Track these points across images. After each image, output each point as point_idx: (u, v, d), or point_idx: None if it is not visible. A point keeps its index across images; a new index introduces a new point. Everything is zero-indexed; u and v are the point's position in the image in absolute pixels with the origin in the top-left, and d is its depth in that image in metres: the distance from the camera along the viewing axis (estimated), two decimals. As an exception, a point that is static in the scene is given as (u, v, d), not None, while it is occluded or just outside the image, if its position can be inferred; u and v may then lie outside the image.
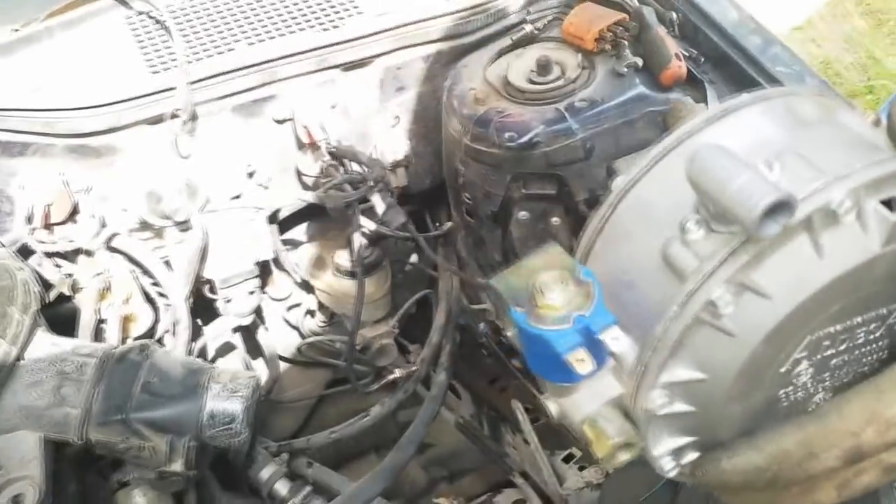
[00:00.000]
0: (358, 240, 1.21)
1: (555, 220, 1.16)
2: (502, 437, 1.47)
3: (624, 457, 0.55)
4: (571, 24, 1.20)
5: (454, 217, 1.33)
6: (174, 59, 1.17)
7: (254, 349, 1.36)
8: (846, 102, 0.54)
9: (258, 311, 1.34)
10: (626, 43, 1.16)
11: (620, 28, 1.17)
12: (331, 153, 1.19)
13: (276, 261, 1.33)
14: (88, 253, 1.11)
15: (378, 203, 1.19)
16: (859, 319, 0.54)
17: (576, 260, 0.55)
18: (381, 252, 1.31)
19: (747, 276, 0.50)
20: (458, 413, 1.51)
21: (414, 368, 1.32)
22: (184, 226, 1.13)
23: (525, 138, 1.10)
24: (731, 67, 1.16)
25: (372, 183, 1.16)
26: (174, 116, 1.11)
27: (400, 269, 1.44)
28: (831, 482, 0.54)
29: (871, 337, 0.56)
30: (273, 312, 1.41)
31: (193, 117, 1.13)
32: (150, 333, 1.11)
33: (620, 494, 1.00)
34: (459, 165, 1.20)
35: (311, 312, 1.42)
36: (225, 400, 0.96)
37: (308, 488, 1.14)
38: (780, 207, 0.46)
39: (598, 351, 0.51)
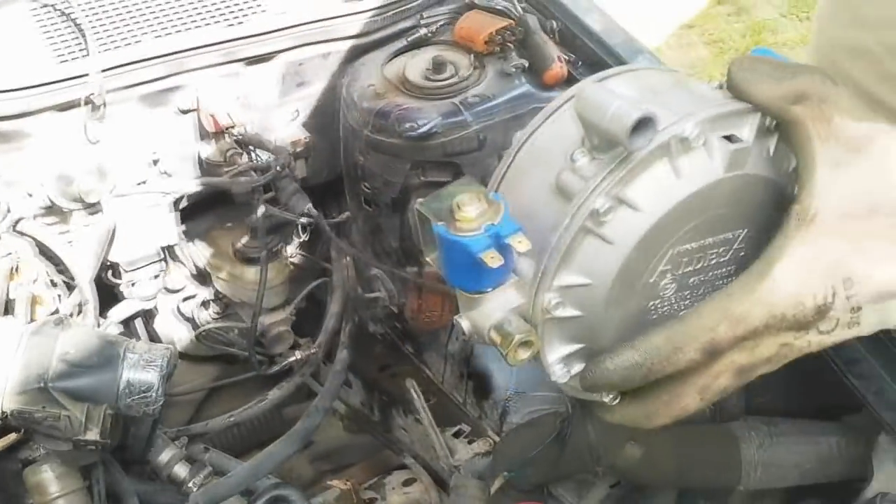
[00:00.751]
0: (262, 224, 1.26)
1: (450, 205, 1.26)
2: (393, 420, 1.54)
3: (525, 354, 0.63)
4: (463, 27, 1.31)
5: (350, 207, 1.41)
6: (82, 49, 1.19)
7: (152, 338, 1.38)
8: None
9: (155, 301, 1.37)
10: (512, 46, 1.29)
11: (507, 32, 1.29)
12: (237, 141, 1.24)
13: (173, 251, 1.36)
14: (-6, 236, 1.11)
15: (282, 189, 1.25)
16: (710, 240, 0.65)
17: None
18: (281, 239, 1.37)
19: (622, 190, 0.61)
20: (349, 401, 1.57)
21: (312, 351, 1.38)
22: (93, 209, 1.15)
23: (424, 129, 1.19)
24: (604, 70, 1.29)
25: (279, 168, 1.22)
26: (87, 103, 1.13)
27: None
28: (694, 387, 0.63)
29: (721, 260, 0.67)
30: (166, 303, 1.43)
31: (104, 105, 1.15)
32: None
33: (510, 456, 1.08)
34: (359, 156, 1.28)
35: (205, 304, 1.45)
36: (142, 370, 0.99)
37: (209, 468, 1.18)
38: (646, 123, 0.57)
39: (506, 257, 0.60)
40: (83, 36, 1.21)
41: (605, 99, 0.58)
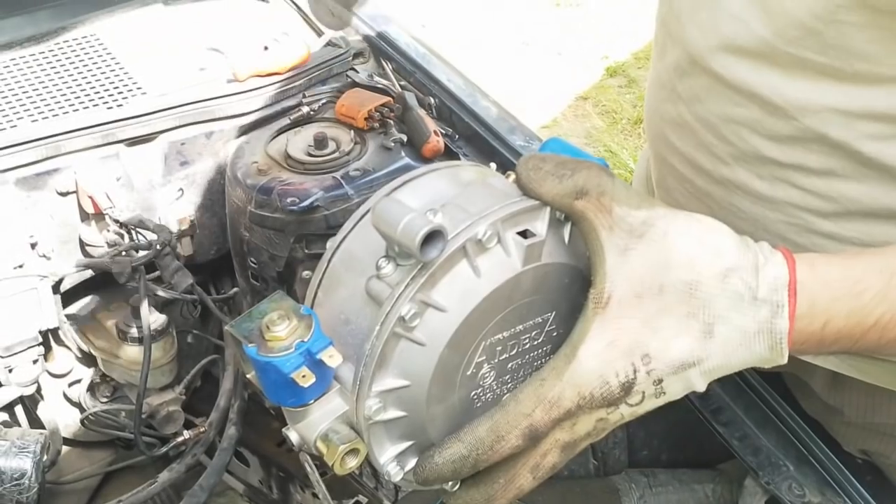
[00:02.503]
0: (145, 304, 1.25)
1: (335, 276, 1.28)
2: (291, 496, 1.52)
3: (352, 462, 0.65)
4: (344, 105, 1.35)
5: (239, 283, 1.41)
6: (-46, 133, 1.18)
7: (34, 425, 1.34)
8: (496, 170, 0.73)
9: (38, 388, 1.33)
10: (391, 122, 1.34)
11: (386, 109, 1.34)
12: (117, 221, 1.24)
13: (56, 335, 1.34)
14: None
15: (165, 267, 1.25)
16: (521, 327, 0.68)
17: (298, 303, 0.66)
18: (167, 318, 1.36)
19: (426, 294, 0.63)
20: (248, 480, 1.55)
21: (202, 430, 1.36)
22: (-36, 294, 1.13)
23: (306, 203, 1.22)
24: (480, 142, 1.35)
25: (159, 247, 1.22)
26: (-43, 187, 1.12)
27: (184, 339, 1.48)
28: (525, 468, 0.65)
29: (536, 342, 0.70)
30: (53, 389, 1.40)
31: (-24, 189, 1.15)
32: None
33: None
34: (244, 232, 1.29)
35: (92, 387, 1.42)
36: (14, 456, 0.97)
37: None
38: (435, 236, 0.60)
39: (321, 371, 0.62)
40: (-44, 120, 1.21)
41: (396, 213, 0.61)
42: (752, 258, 0.64)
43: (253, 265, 1.32)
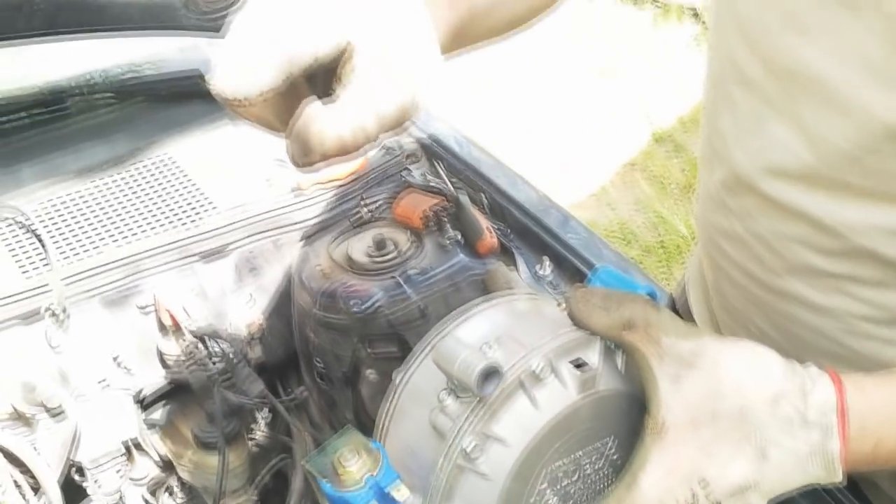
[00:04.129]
0: (219, 411, 1.31)
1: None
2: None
3: None
4: (400, 207, 1.42)
5: (306, 383, 1.47)
6: (43, 260, 1.28)
7: (119, 531, 1.40)
8: (549, 296, 0.78)
9: (120, 494, 1.39)
10: (446, 221, 1.39)
11: (441, 209, 1.40)
12: (193, 333, 1.31)
13: (137, 443, 1.40)
14: (-41, 448, 1.15)
15: (238, 375, 1.31)
16: (581, 453, 0.71)
17: (371, 438, 0.71)
18: (239, 423, 1.41)
19: (487, 427, 0.67)
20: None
21: (277, 530, 1.40)
22: (56, 413, 1.20)
23: (369, 304, 1.27)
24: (533, 237, 1.40)
25: (232, 356, 1.29)
26: (48, 312, 1.21)
27: (254, 440, 1.53)
28: None
29: (597, 467, 0.73)
30: (134, 494, 1.45)
31: (65, 312, 1.23)
32: (21, 520, 1.15)
33: None
34: (310, 334, 1.35)
35: (170, 491, 1.48)
36: (106, 569, 1.01)
37: None
38: (491, 372, 0.64)
39: (389, 503, 0.66)
40: (43, 247, 1.30)
41: (453, 350, 0.66)
42: (799, 382, 0.67)
43: (319, 366, 1.37)
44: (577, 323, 0.70)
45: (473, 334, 0.72)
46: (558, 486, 0.71)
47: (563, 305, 0.73)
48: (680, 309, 1.28)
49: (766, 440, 0.65)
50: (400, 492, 0.65)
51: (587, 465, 0.72)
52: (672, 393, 0.66)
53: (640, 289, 0.72)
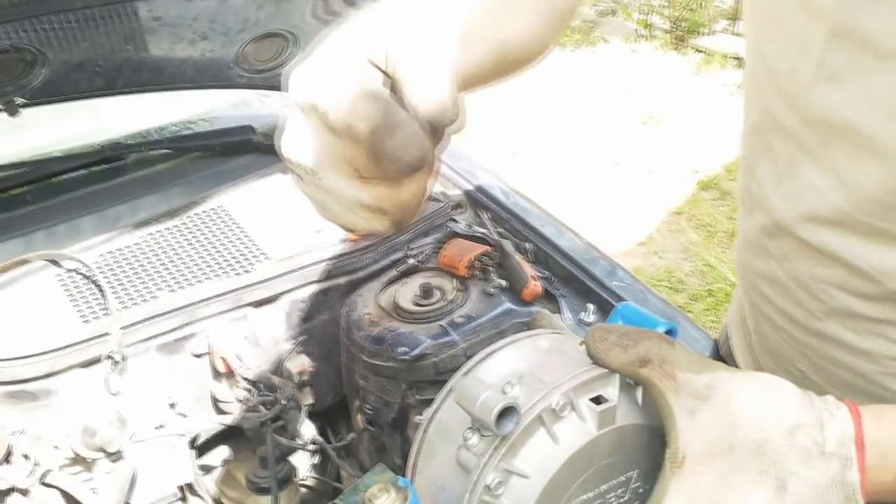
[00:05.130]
0: (272, 456, 1.34)
1: (447, 420, 1.34)
2: None
3: None
4: (445, 255, 1.45)
5: (355, 428, 1.49)
6: (103, 308, 1.33)
7: (174, 575, 1.43)
8: (569, 333, 0.80)
9: (175, 538, 1.42)
10: (491, 269, 1.42)
11: (486, 257, 1.42)
12: (245, 379, 1.35)
13: (191, 488, 1.43)
14: (23, 492, 1.19)
15: (289, 420, 1.34)
16: (605, 487, 0.72)
17: (403, 477, 0.73)
18: (292, 467, 1.44)
19: (509, 463, 0.68)
20: None
21: (330, 576, 1.41)
22: (114, 457, 1.23)
23: (416, 351, 1.30)
24: (578, 284, 1.42)
25: (284, 401, 1.32)
26: (109, 358, 1.25)
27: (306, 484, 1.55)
28: None
29: (622, 500, 0.74)
30: (188, 537, 1.48)
31: (123, 359, 1.27)
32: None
33: None
34: (359, 380, 1.38)
35: (224, 534, 1.50)
36: None
37: None
38: (510, 411, 0.67)
39: None
40: (103, 295, 1.35)
41: (473, 390, 0.68)
42: (816, 413, 0.68)
43: (368, 412, 1.40)
44: (595, 360, 0.72)
45: (495, 373, 0.74)
46: None
47: (581, 342, 0.75)
48: (723, 353, 1.28)
49: (785, 472, 0.66)
50: None
51: (612, 499, 0.74)
52: (689, 427, 0.67)
53: (659, 325, 0.74)
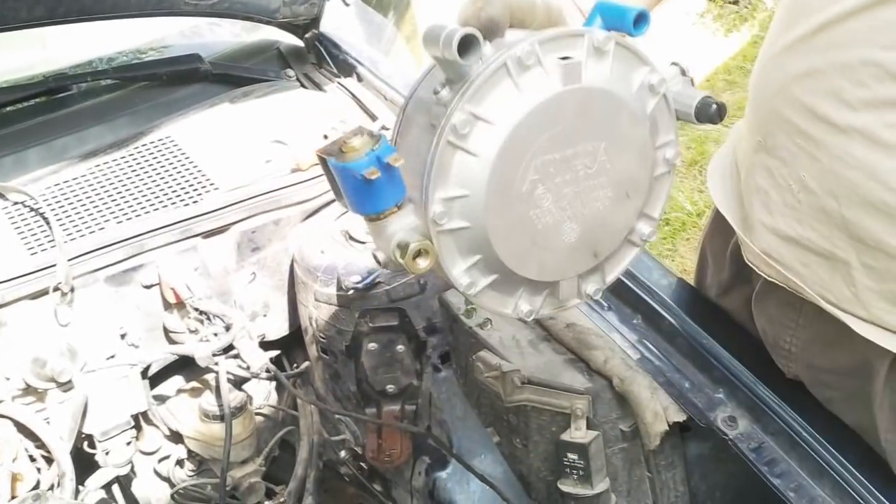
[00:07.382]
0: (224, 384, 1.35)
1: (399, 347, 1.36)
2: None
3: (423, 263, 0.71)
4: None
5: (310, 356, 1.50)
6: (51, 241, 1.31)
7: (130, 501, 1.45)
8: None
9: (131, 465, 1.44)
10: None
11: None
12: (196, 309, 1.35)
13: (146, 416, 1.44)
14: (-27, 421, 1.20)
15: (242, 349, 1.35)
16: (570, 151, 0.75)
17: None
18: (245, 395, 1.45)
19: (475, 107, 0.70)
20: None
21: (282, 500, 1.44)
22: (66, 386, 1.24)
23: (368, 280, 1.31)
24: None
25: (236, 331, 1.33)
26: (56, 290, 1.25)
27: (260, 412, 1.57)
28: None
29: (590, 171, 0.77)
30: (144, 466, 1.50)
31: (72, 290, 1.27)
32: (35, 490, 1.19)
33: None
34: (312, 310, 1.39)
35: (180, 462, 1.52)
36: (117, 535, 1.06)
37: None
38: (470, 40, 0.68)
39: (389, 173, 0.70)
40: (50, 227, 1.34)
41: (438, 28, 0.69)
42: None
43: (322, 340, 1.41)
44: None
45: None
46: (550, 182, 0.75)
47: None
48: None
49: None
50: (396, 159, 0.70)
51: (580, 167, 0.76)
52: None
53: (633, 11, 0.75)
